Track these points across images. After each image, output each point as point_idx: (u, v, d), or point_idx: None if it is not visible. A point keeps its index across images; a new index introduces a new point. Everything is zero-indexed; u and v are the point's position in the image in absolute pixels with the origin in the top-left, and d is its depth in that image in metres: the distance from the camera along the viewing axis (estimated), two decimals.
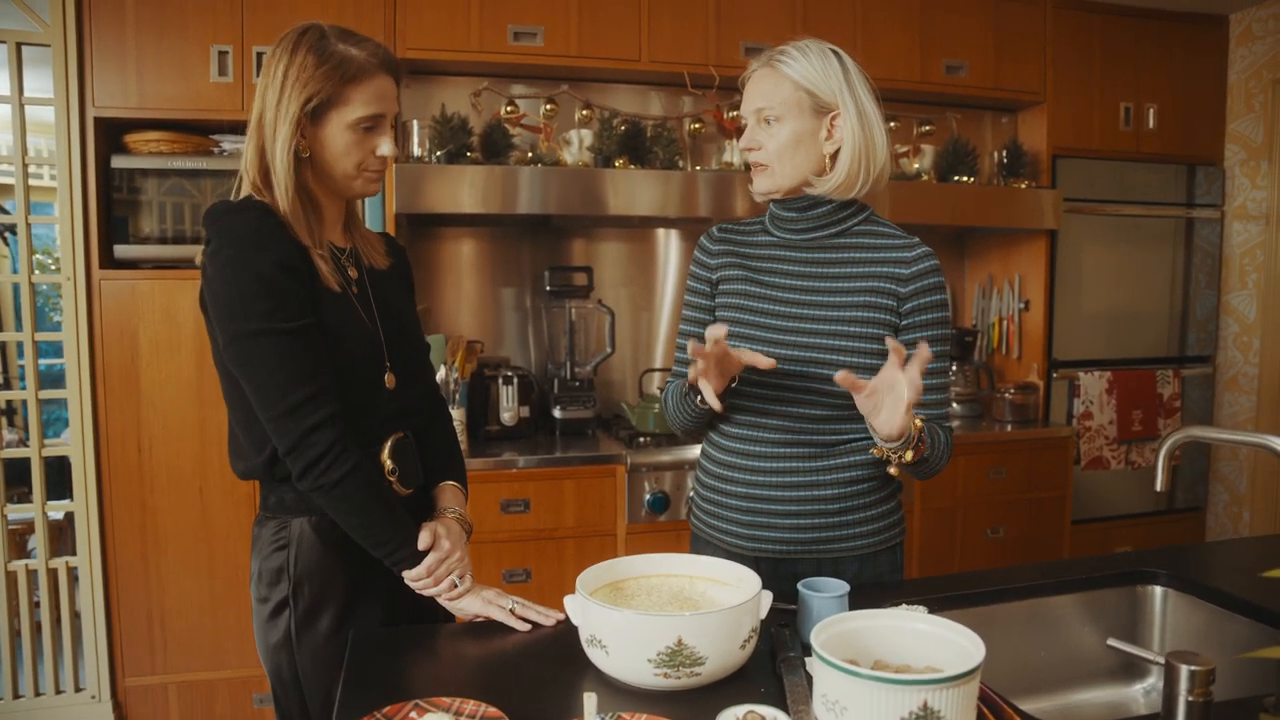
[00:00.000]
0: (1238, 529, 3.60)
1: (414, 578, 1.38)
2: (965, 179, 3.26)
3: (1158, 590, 1.62)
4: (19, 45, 2.56)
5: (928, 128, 3.34)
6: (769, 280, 1.54)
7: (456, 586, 1.40)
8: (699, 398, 1.46)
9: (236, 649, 2.74)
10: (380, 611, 1.42)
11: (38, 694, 2.69)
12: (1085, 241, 3.45)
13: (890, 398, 1.28)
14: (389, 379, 1.43)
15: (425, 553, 1.37)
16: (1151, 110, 3.48)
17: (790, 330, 1.49)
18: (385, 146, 1.40)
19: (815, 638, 1.04)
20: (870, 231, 1.53)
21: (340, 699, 1.15)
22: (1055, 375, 3.41)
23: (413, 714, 1.06)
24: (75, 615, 2.72)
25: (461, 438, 2.77)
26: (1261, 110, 3.47)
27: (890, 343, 1.25)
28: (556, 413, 3.05)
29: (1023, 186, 3.29)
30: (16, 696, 2.67)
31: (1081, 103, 3.41)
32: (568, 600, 1.25)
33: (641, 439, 2.92)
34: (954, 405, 3.43)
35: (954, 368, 3.45)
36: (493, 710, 1.06)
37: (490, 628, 1.37)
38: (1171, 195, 3.55)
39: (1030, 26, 3.32)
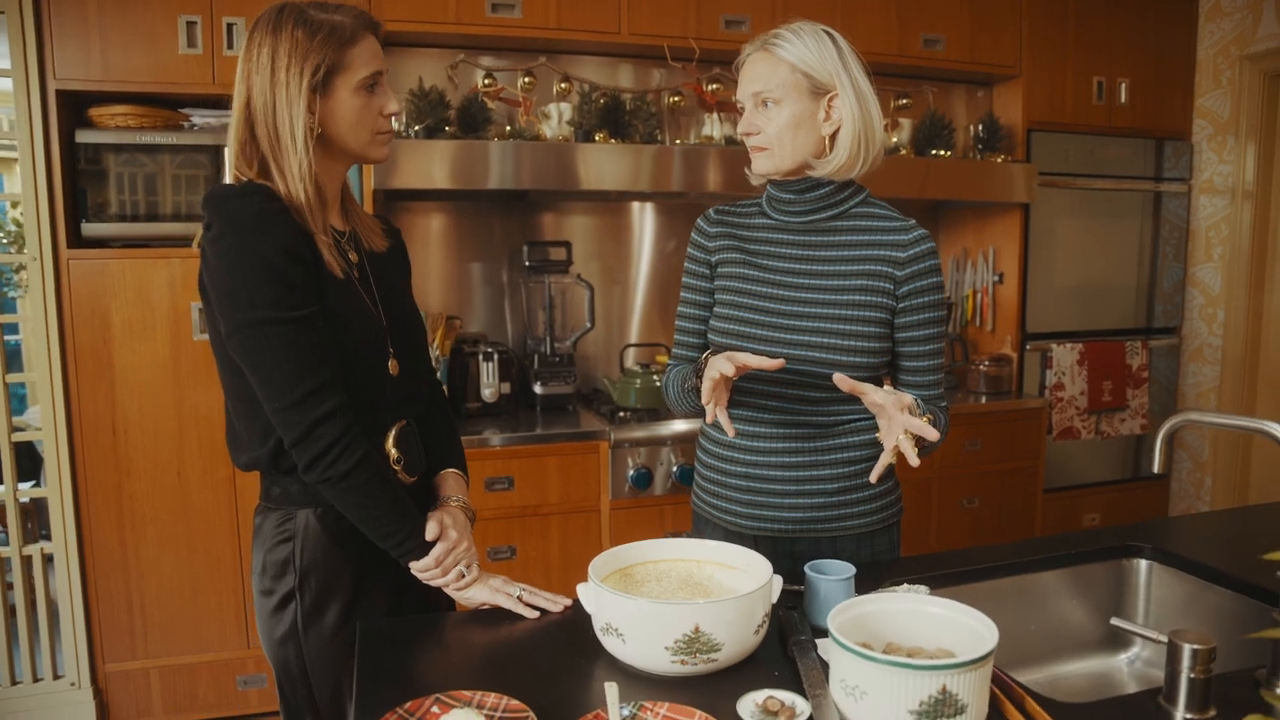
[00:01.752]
0: (1200, 495, 3.71)
1: (421, 568, 1.37)
2: (942, 152, 3.28)
3: (1142, 564, 1.66)
4: None
5: (905, 101, 3.35)
6: (767, 264, 1.54)
7: (464, 576, 1.39)
8: (700, 395, 1.45)
9: (218, 632, 2.72)
10: (386, 602, 1.41)
11: (14, 682, 2.64)
12: (1058, 214, 3.49)
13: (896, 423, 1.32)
14: (393, 365, 1.41)
15: (432, 543, 1.36)
16: (1123, 84, 3.52)
17: (788, 314, 1.50)
18: (392, 103, 1.38)
19: (832, 622, 1.06)
20: (867, 214, 1.54)
21: (356, 692, 1.14)
22: (1028, 347, 3.46)
23: (435, 709, 1.06)
24: (51, 601, 2.68)
25: None
26: (1229, 85, 3.52)
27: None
28: (537, 389, 3.04)
29: (999, 160, 3.31)
30: None
31: (1056, 76, 3.43)
32: (581, 588, 1.25)
33: (622, 414, 2.92)
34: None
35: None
36: (515, 703, 1.06)
37: (498, 615, 1.37)
38: (1141, 169, 3.61)
39: (1006, 1, 3.33)
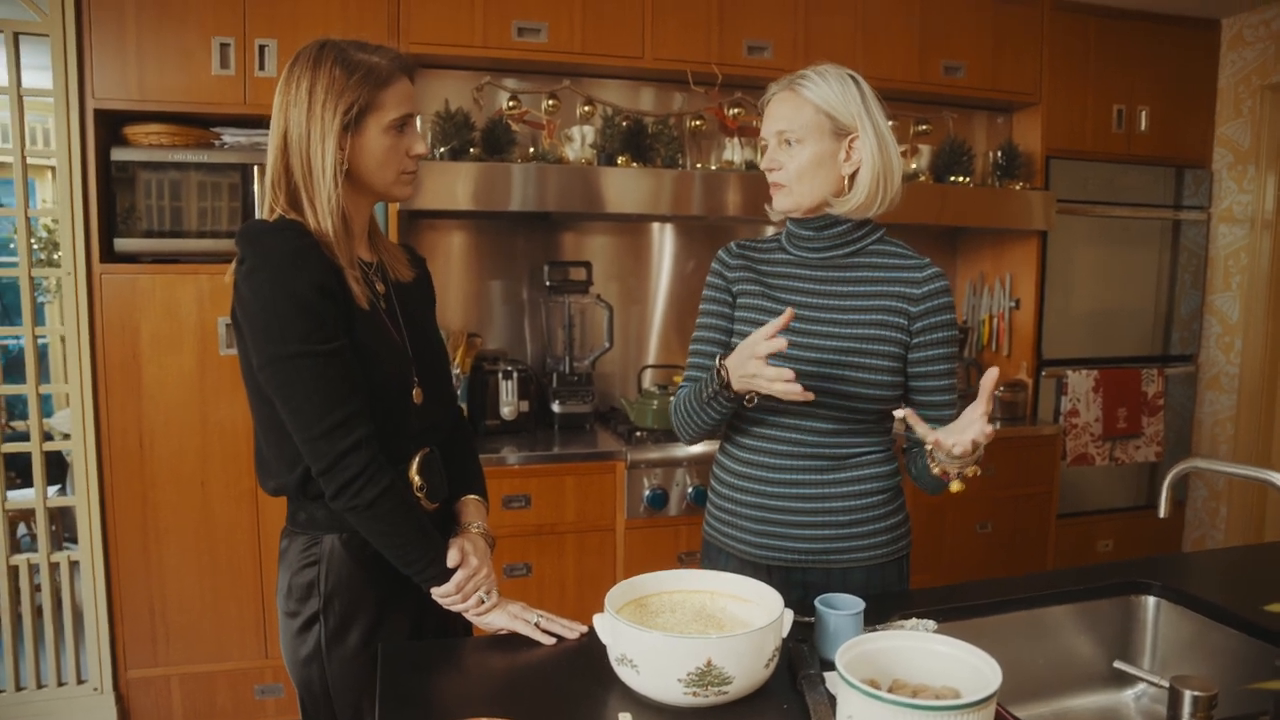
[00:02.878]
0: (1214, 523, 3.70)
1: (442, 594, 1.41)
2: (961, 179, 3.30)
3: (1150, 601, 1.68)
4: (16, 35, 2.52)
5: (924, 127, 3.37)
6: (784, 297, 1.58)
7: (484, 603, 1.43)
8: (727, 397, 1.47)
9: (238, 641, 2.77)
10: (408, 626, 1.45)
11: (39, 686, 2.70)
12: (1076, 241, 3.51)
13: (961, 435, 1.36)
14: (417, 394, 1.45)
15: (453, 570, 1.40)
16: (1143, 112, 3.53)
17: (804, 346, 1.53)
18: (419, 145, 1.43)
19: (840, 659, 1.08)
20: (883, 251, 1.57)
21: (378, 714, 1.18)
22: (1044, 373, 3.48)
23: None
24: (76, 607, 2.73)
25: None
26: (1250, 115, 3.53)
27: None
28: (555, 407, 3.08)
29: (1017, 187, 3.33)
30: (19, 689, 2.68)
31: (1075, 104, 3.45)
32: (597, 619, 1.29)
33: (639, 434, 2.95)
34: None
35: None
36: None
37: (516, 641, 1.41)
38: (1160, 197, 3.62)
39: (1027, 28, 3.36)
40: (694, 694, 1.17)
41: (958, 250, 3.78)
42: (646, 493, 2.82)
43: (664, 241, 3.42)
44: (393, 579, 1.41)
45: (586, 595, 2.79)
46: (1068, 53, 3.41)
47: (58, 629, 2.72)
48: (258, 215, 1.38)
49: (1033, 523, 3.32)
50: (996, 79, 3.33)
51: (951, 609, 1.53)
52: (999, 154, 3.37)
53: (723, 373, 1.45)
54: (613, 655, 1.24)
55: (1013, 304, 3.53)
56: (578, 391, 3.10)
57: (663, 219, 3.31)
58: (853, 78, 1.54)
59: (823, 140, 1.51)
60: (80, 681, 2.73)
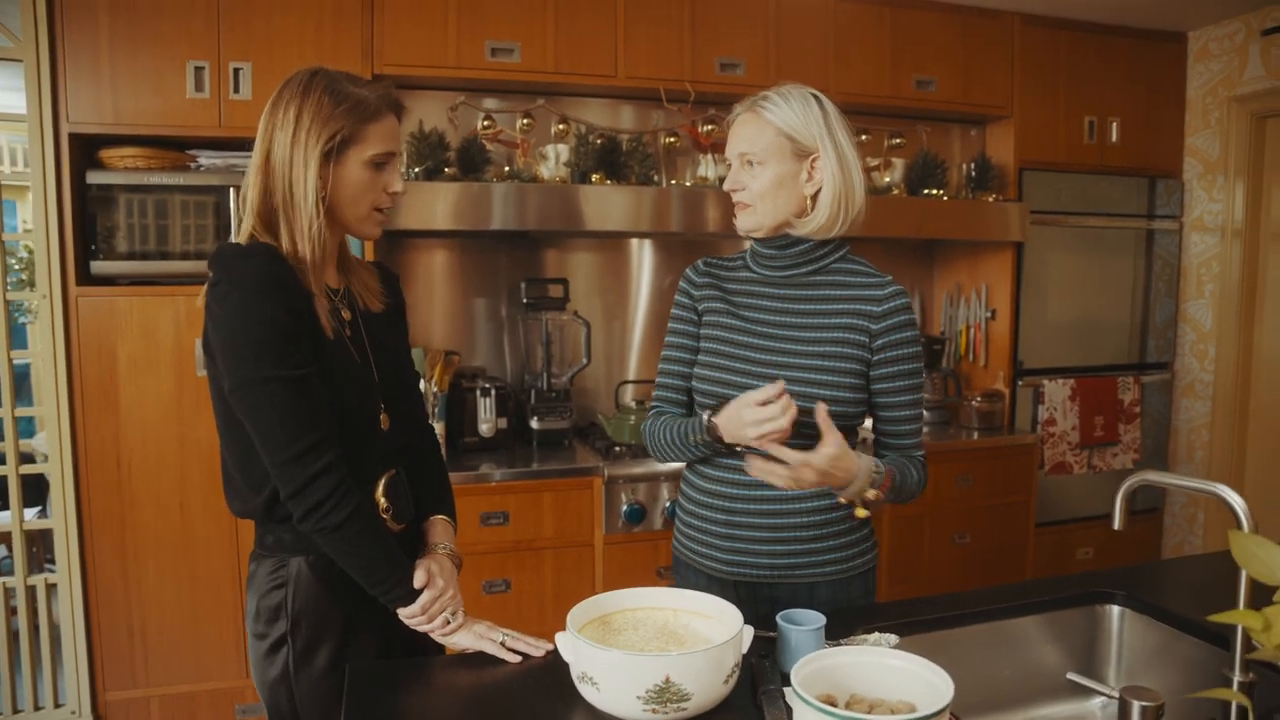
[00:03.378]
0: (1193, 529, 3.73)
1: (408, 615, 1.42)
2: (935, 191, 3.34)
3: (1115, 610, 1.70)
4: None
5: (898, 140, 3.41)
6: (749, 315, 1.60)
7: (449, 623, 1.44)
8: (717, 450, 1.54)
9: (218, 661, 2.76)
10: (376, 646, 1.46)
11: (15, 711, 2.69)
12: (1051, 251, 3.54)
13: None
14: (384, 420, 1.47)
15: (420, 590, 1.41)
16: (1114, 124, 3.58)
17: (767, 364, 1.55)
18: (397, 184, 1.45)
19: (795, 675, 1.10)
20: (846, 269, 1.59)
21: None
22: (1020, 383, 3.50)
23: None
24: (54, 629, 2.73)
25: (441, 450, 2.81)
26: (1218, 126, 3.58)
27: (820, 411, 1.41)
28: (534, 424, 3.09)
29: (990, 199, 3.37)
30: None
31: (1047, 117, 3.49)
32: (559, 637, 1.30)
33: (617, 449, 2.97)
34: (923, 412, 3.51)
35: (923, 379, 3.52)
36: None
37: (482, 659, 1.42)
38: (1133, 207, 3.66)
39: (998, 42, 3.40)
40: (653, 710, 1.18)
41: (935, 262, 3.82)
42: (624, 507, 2.83)
43: (643, 257, 3.44)
44: (360, 600, 1.42)
45: (565, 611, 2.73)
46: (1039, 66, 3.45)
47: (34, 652, 2.71)
48: (233, 236, 1.38)
49: (1011, 532, 3.34)
50: (968, 92, 3.37)
51: (915, 622, 1.54)
52: (971, 166, 3.41)
53: (714, 430, 1.51)
54: (574, 673, 1.25)
55: (989, 314, 3.56)
56: (556, 408, 3.11)
57: (641, 235, 3.33)
58: (816, 97, 1.56)
59: (784, 162, 1.53)
60: (58, 705, 2.72)
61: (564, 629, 1.37)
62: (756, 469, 1.44)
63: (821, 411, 1.41)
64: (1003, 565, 3.33)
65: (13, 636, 2.70)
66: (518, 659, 1.41)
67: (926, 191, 3.34)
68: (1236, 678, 1.17)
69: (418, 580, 1.42)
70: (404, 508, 1.52)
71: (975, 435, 3.35)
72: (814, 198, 1.55)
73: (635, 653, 1.20)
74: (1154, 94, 3.65)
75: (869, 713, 1.13)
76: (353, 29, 2.73)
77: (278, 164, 1.35)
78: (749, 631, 1.30)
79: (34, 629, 2.71)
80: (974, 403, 3.41)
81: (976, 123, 3.62)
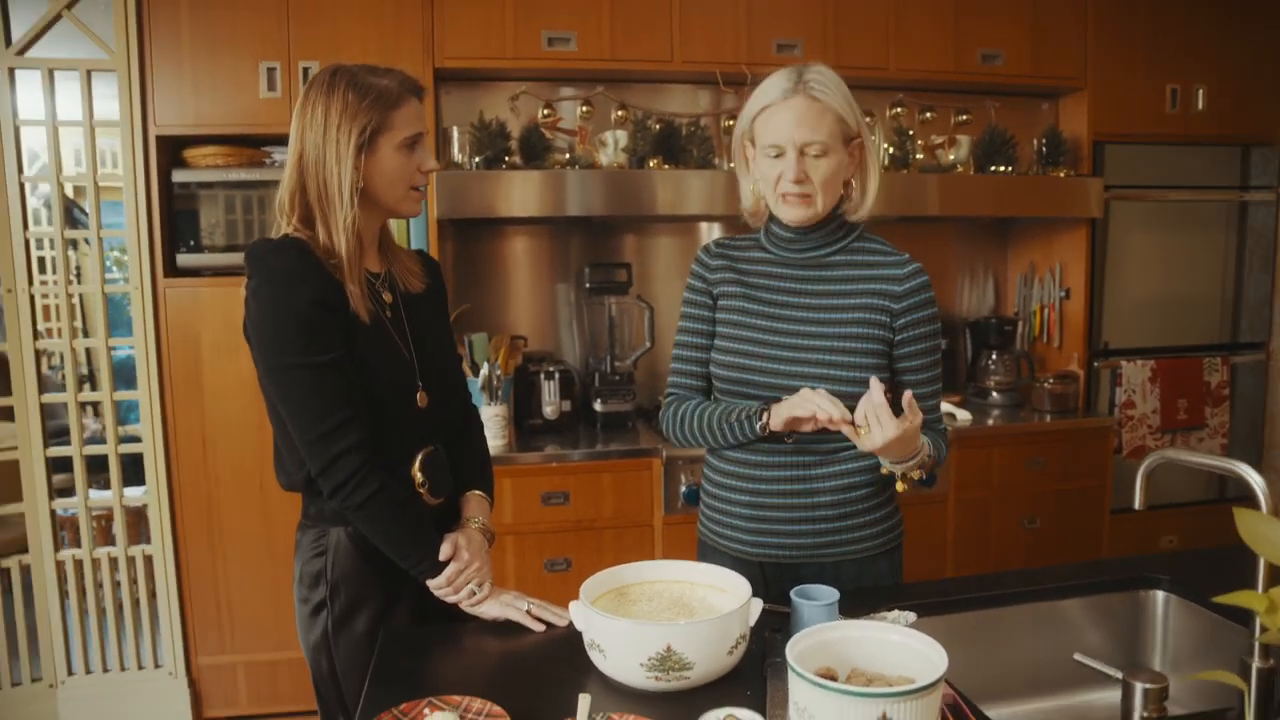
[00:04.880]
0: None
1: (435, 586, 1.50)
2: (1003, 168, 3.24)
3: (1160, 596, 1.65)
4: (89, 72, 2.73)
5: (964, 117, 3.32)
6: (766, 297, 1.60)
7: (475, 594, 1.51)
8: (764, 423, 1.52)
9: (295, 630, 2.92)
10: (410, 612, 1.55)
11: (123, 668, 2.91)
12: (1131, 228, 3.40)
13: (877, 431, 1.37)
14: (421, 398, 1.55)
15: (446, 563, 1.49)
16: (1200, 91, 3.40)
17: (787, 346, 1.56)
18: (429, 161, 1.52)
19: (791, 649, 1.12)
20: (864, 249, 1.59)
21: (366, 693, 1.27)
22: (1097, 364, 3.38)
23: (426, 710, 1.17)
24: (152, 598, 2.94)
25: (505, 431, 2.90)
26: None
27: (873, 382, 1.38)
28: (597, 406, 3.15)
29: (1061, 175, 3.25)
30: (105, 670, 2.90)
31: (1124, 87, 3.34)
32: (572, 606, 1.35)
33: None
34: (994, 395, 3.43)
35: (994, 357, 3.45)
36: (497, 709, 1.17)
37: (510, 628, 1.49)
38: (1223, 178, 3.47)
39: (1070, 9, 3.27)
40: (656, 678, 1.22)
41: (1008, 241, 3.71)
42: (683, 488, 2.87)
43: (710, 240, 3.45)
44: (395, 569, 1.51)
45: None
46: (1114, 33, 3.30)
47: (136, 618, 2.93)
48: (279, 219, 1.48)
49: (1085, 518, 3.23)
50: (1037, 65, 3.26)
51: (938, 602, 1.53)
52: (1042, 142, 3.30)
53: (766, 421, 1.50)
54: (586, 640, 1.30)
55: (1063, 294, 3.44)
56: (619, 390, 3.16)
57: (712, 219, 3.35)
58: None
59: (839, 149, 1.51)
60: (157, 666, 2.93)
61: None
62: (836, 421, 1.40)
63: (908, 396, 1.39)
64: (1076, 551, 3.23)
65: (118, 604, 2.92)
66: (542, 628, 1.47)
67: (995, 169, 3.24)
68: (1255, 663, 1.13)
69: (444, 553, 1.49)
70: (441, 483, 1.59)
71: (1048, 418, 3.26)
72: (849, 182, 1.55)
73: (639, 621, 1.24)
74: (1246, 54, 3.44)
75: (867, 685, 1.15)
76: (413, 25, 2.83)
77: (311, 163, 1.43)
78: (757, 604, 1.32)
79: (135, 597, 2.93)
80: (1046, 385, 3.31)
81: (1048, 96, 3.49)
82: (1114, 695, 1.64)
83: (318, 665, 1.52)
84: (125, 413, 3.99)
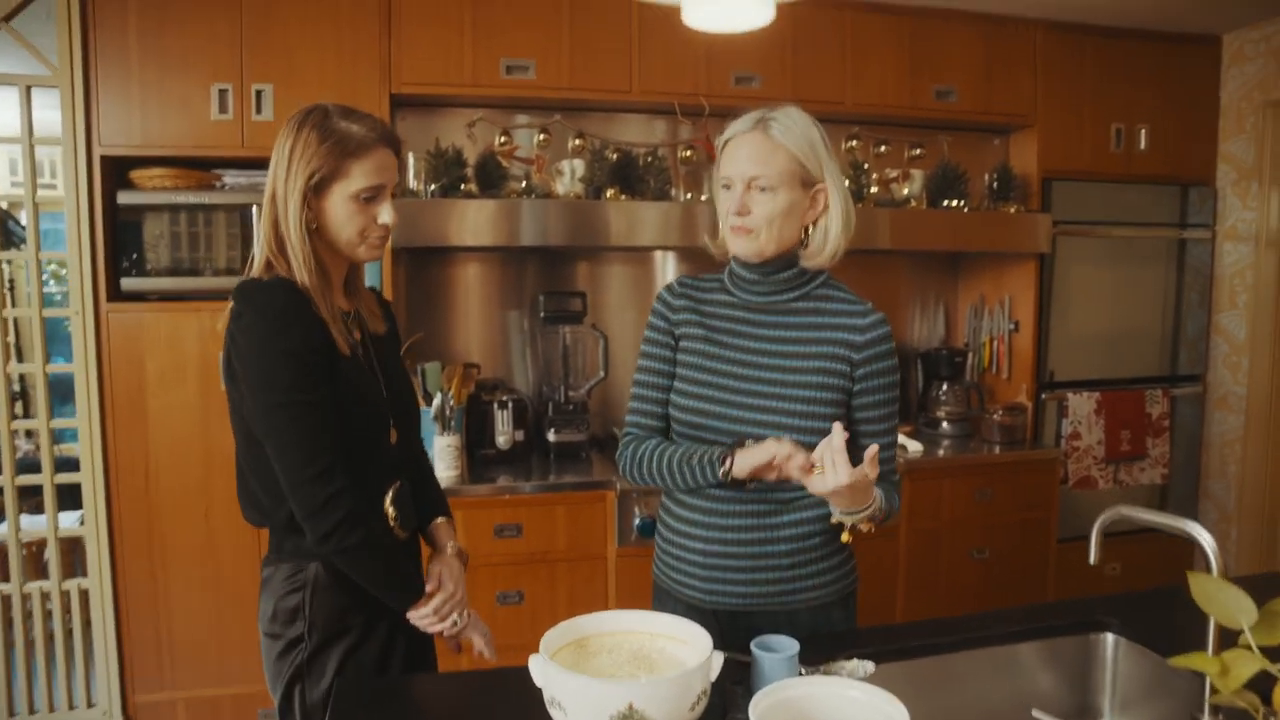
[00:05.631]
0: (1226, 547, 3.64)
1: (419, 617, 1.53)
2: (956, 203, 3.30)
3: (1109, 639, 1.67)
4: (29, 88, 2.64)
5: (918, 151, 3.38)
6: (727, 341, 1.60)
7: (457, 624, 1.56)
8: (726, 470, 1.50)
9: (241, 666, 2.85)
10: (381, 648, 1.55)
11: (52, 709, 2.80)
12: (1077, 262, 3.48)
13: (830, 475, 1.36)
14: (393, 434, 1.57)
15: (429, 593, 1.54)
16: (1142, 131, 3.50)
17: (746, 392, 1.56)
18: (385, 215, 1.51)
19: (754, 708, 1.12)
20: (827, 296, 1.59)
21: None
22: (1045, 396, 3.45)
23: None
24: (87, 629, 2.83)
25: (458, 462, 2.86)
26: (1253, 131, 3.49)
27: (836, 427, 1.36)
28: (550, 436, 3.12)
29: (1012, 210, 3.33)
30: (32, 712, 2.78)
31: (1072, 125, 3.43)
32: (531, 660, 1.32)
33: None
34: (944, 425, 3.49)
35: (945, 387, 3.50)
36: None
37: (467, 682, 1.46)
38: (1164, 216, 3.58)
39: (1020, 49, 3.35)
40: None
41: (958, 273, 3.78)
42: (637, 521, 2.85)
43: (667, 271, 3.46)
44: (371, 603, 1.52)
45: None
46: (1063, 73, 3.40)
47: (69, 654, 2.82)
48: (255, 249, 1.50)
49: (1032, 548, 3.29)
50: (990, 102, 3.33)
51: (896, 649, 1.54)
52: (993, 177, 3.37)
53: (729, 468, 1.48)
54: (545, 697, 1.27)
55: (1012, 326, 3.51)
56: (573, 420, 3.14)
57: (667, 249, 3.35)
58: (815, 123, 1.54)
59: (793, 189, 1.51)
60: (90, 705, 2.82)
61: None
62: (796, 468, 1.39)
63: (872, 449, 1.38)
64: (1023, 581, 3.29)
65: (49, 639, 2.81)
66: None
67: (947, 203, 3.31)
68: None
69: (429, 585, 1.54)
70: (409, 516, 1.62)
71: (996, 449, 3.31)
72: (812, 226, 1.55)
73: (600, 679, 1.22)
74: (1185, 99, 3.57)
75: None
76: (371, 49, 2.79)
77: (278, 197, 1.45)
78: (718, 658, 1.31)
79: (68, 633, 2.82)
80: (995, 416, 3.37)
81: (999, 132, 3.58)
82: None
83: (287, 702, 1.49)
84: (58, 433, 3.87)
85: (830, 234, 1.54)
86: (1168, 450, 3.57)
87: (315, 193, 1.44)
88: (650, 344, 1.67)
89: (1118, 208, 3.51)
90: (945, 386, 3.51)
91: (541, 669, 1.27)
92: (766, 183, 1.50)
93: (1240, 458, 3.58)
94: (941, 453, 3.27)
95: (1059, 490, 3.34)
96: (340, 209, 1.46)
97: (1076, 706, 1.66)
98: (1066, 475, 3.40)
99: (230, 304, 1.45)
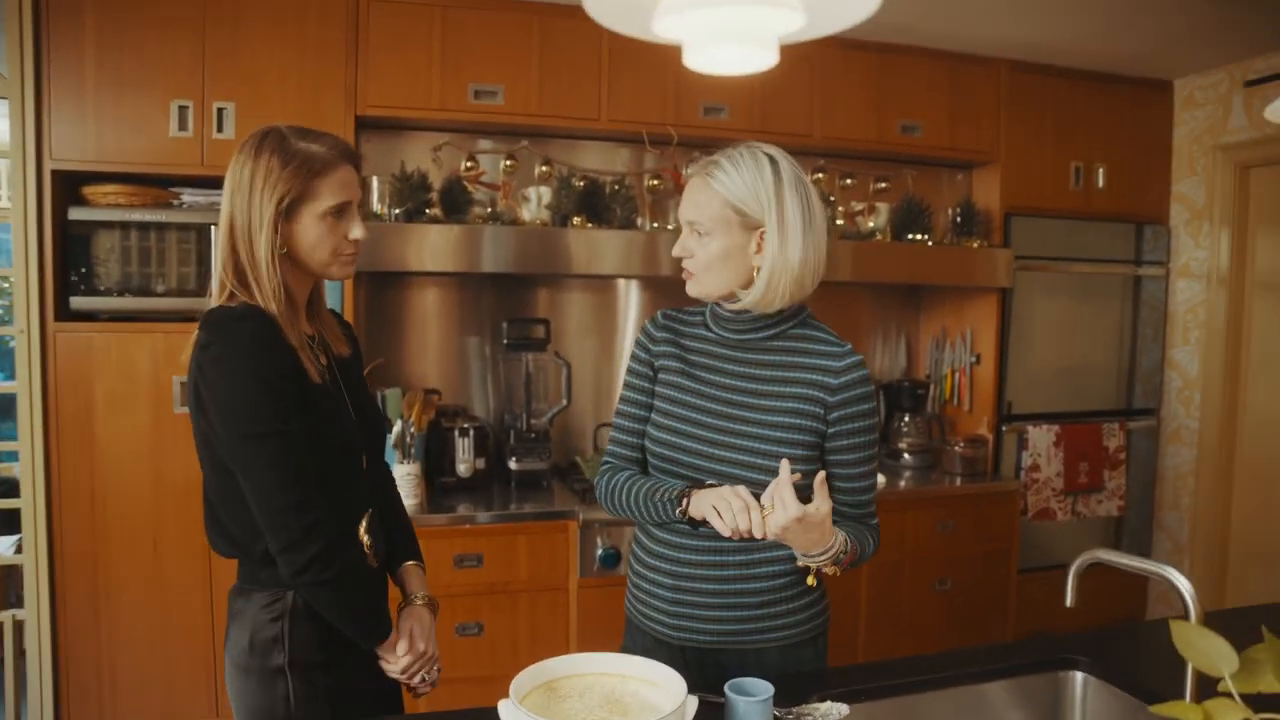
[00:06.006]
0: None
1: (391, 672, 1.51)
2: (920, 236, 3.34)
3: (1079, 677, 1.67)
4: None
5: (883, 185, 3.42)
6: (704, 376, 1.59)
7: (425, 681, 1.54)
8: (683, 509, 1.48)
9: (189, 700, 2.74)
10: (363, 675, 1.51)
11: None
12: (1037, 296, 3.54)
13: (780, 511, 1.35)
14: (364, 460, 1.54)
15: (399, 654, 1.52)
16: (1101, 170, 3.58)
17: (721, 429, 1.54)
18: (356, 230, 1.49)
19: None
20: (805, 335, 1.57)
21: None
22: (1005, 428, 3.49)
23: None
24: (20, 667, 2.71)
25: (418, 490, 2.80)
26: (1204, 173, 3.59)
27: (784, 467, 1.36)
28: (512, 464, 3.08)
29: (975, 245, 3.37)
30: None
31: (1033, 162, 3.50)
32: (501, 705, 1.28)
33: (594, 491, 2.95)
34: (906, 457, 3.50)
35: (907, 419, 3.52)
36: None
37: None
38: (1120, 252, 3.66)
39: (985, 88, 3.41)
40: None
41: (920, 306, 3.81)
42: (599, 551, 2.81)
43: (630, 299, 3.44)
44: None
45: (539, 654, 2.70)
46: (1025, 112, 3.46)
47: None
48: (213, 279, 1.45)
49: (993, 579, 3.31)
50: (954, 138, 3.38)
51: (867, 690, 1.52)
52: (957, 211, 3.41)
53: (685, 507, 1.47)
54: None
55: (973, 359, 3.55)
56: (535, 449, 3.10)
57: (629, 277, 3.34)
58: (772, 161, 1.49)
59: (730, 233, 1.49)
60: None
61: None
62: (735, 511, 1.37)
63: (820, 478, 1.37)
64: (984, 612, 3.30)
65: None
66: None
67: (912, 236, 3.34)
68: None
69: (400, 649, 1.51)
70: (381, 546, 1.58)
71: (958, 481, 3.33)
72: (759, 270, 1.51)
73: None
74: (1141, 140, 3.66)
75: None
76: (336, 70, 2.75)
77: (239, 226, 1.41)
78: (693, 702, 1.28)
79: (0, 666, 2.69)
80: (957, 448, 3.39)
81: (963, 167, 3.63)
82: None
83: None
84: None
85: (762, 278, 1.49)
86: (1124, 483, 3.62)
87: (285, 218, 1.41)
88: (632, 374, 1.67)
89: (1075, 244, 3.58)
90: (907, 418, 3.53)
91: (512, 715, 1.23)
92: (702, 228, 1.52)
93: (1193, 490, 3.65)
94: (903, 484, 3.28)
95: (1020, 521, 3.37)
96: (311, 230, 1.44)
97: None
98: (1026, 507, 3.43)
99: (196, 334, 1.41)
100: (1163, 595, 3.76)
